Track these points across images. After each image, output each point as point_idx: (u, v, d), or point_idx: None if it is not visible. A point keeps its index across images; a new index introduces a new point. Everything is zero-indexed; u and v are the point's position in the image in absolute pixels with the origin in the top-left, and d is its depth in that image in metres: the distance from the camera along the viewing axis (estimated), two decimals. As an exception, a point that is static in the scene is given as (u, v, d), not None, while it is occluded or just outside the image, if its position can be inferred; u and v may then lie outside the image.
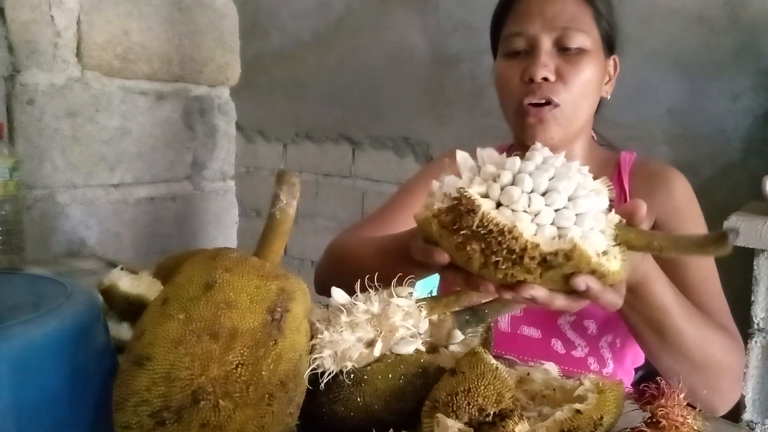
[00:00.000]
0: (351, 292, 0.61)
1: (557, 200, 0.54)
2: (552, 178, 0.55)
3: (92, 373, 0.53)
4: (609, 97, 1.01)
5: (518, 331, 0.97)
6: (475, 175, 0.58)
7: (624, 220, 0.57)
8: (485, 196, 0.56)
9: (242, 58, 1.70)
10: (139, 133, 1.52)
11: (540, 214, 0.54)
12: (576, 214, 0.54)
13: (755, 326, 1.33)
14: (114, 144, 1.48)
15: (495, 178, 0.56)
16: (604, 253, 0.54)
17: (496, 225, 0.52)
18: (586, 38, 0.92)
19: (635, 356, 0.98)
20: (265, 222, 0.58)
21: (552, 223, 0.54)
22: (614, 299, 0.58)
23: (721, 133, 1.72)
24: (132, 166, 1.52)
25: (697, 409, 0.51)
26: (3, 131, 1.14)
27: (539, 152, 0.58)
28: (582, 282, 0.53)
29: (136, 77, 1.50)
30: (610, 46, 0.98)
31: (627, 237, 0.55)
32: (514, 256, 0.52)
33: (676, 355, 0.76)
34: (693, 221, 0.94)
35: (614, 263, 0.54)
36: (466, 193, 0.55)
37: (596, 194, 0.56)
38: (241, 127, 2.36)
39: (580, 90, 0.92)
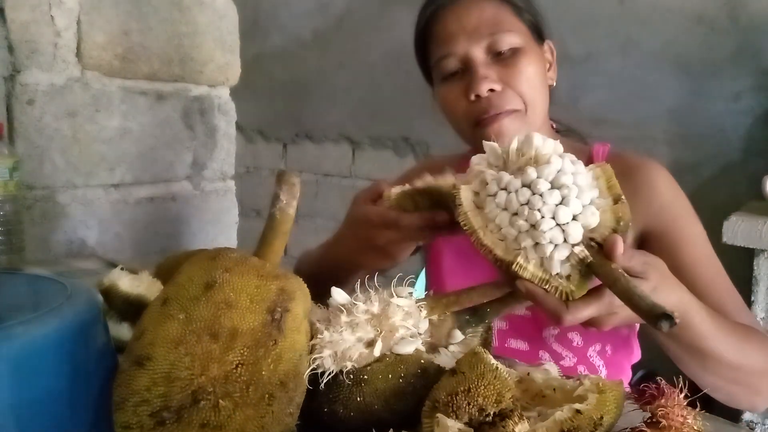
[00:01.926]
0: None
1: (552, 217, 0.58)
2: (562, 199, 0.58)
3: (92, 373, 0.53)
4: (555, 83, 0.98)
5: (506, 344, 0.96)
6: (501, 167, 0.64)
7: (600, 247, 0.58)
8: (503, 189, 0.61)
9: (242, 58, 1.70)
10: (139, 133, 1.52)
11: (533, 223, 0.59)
12: (554, 241, 0.58)
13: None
14: (114, 144, 1.48)
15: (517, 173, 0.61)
16: (568, 277, 0.58)
17: (468, 226, 0.62)
18: (514, 36, 0.90)
19: (630, 356, 0.98)
20: (265, 222, 0.58)
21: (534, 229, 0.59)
22: (557, 307, 0.58)
23: (721, 133, 1.72)
24: (132, 166, 1.52)
25: (698, 409, 0.51)
26: (3, 131, 1.14)
27: (566, 161, 0.60)
28: (521, 285, 0.59)
29: (136, 77, 1.50)
30: (539, 33, 0.96)
31: (597, 268, 0.57)
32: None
33: (717, 373, 0.74)
34: (683, 217, 0.89)
35: (572, 285, 0.58)
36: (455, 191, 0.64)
37: (587, 217, 0.58)
38: (241, 127, 2.36)
39: (529, 89, 0.90)
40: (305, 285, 0.57)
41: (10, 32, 1.30)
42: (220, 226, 1.73)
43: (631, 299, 0.54)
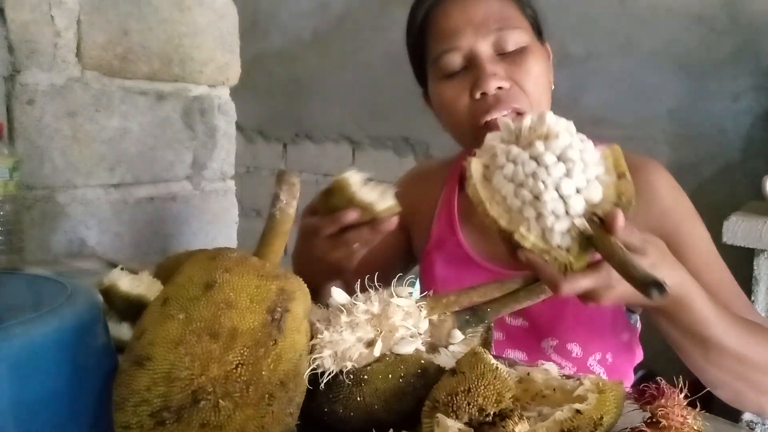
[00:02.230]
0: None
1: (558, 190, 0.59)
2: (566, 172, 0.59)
3: (92, 373, 0.53)
4: (553, 86, 0.94)
5: (504, 354, 0.95)
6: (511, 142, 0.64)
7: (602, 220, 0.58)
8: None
9: (242, 58, 1.70)
10: (139, 133, 1.52)
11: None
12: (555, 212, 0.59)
13: (755, 326, 1.33)
14: (114, 144, 1.48)
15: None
16: (568, 249, 0.59)
17: (475, 197, 0.63)
18: (522, 34, 0.86)
19: (632, 360, 0.97)
20: (265, 222, 0.58)
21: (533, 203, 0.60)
22: (555, 277, 0.59)
23: (721, 133, 1.72)
24: (132, 166, 1.52)
25: (698, 409, 0.51)
26: (3, 131, 1.14)
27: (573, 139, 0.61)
28: (522, 255, 0.59)
29: (136, 77, 1.50)
30: (539, 32, 0.93)
31: (596, 241, 0.58)
32: None
33: (720, 365, 0.73)
34: (686, 220, 0.87)
35: (571, 257, 0.59)
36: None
37: (590, 191, 0.59)
38: (241, 127, 2.36)
39: (536, 89, 0.86)
40: (305, 285, 0.57)
41: (10, 32, 1.30)
42: (220, 226, 1.73)
43: (625, 269, 0.54)
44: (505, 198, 0.61)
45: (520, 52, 0.86)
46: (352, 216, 0.67)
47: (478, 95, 0.84)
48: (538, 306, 0.89)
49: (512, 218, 0.61)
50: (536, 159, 0.60)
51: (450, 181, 1.06)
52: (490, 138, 0.66)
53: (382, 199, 0.68)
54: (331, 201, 0.68)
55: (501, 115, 0.84)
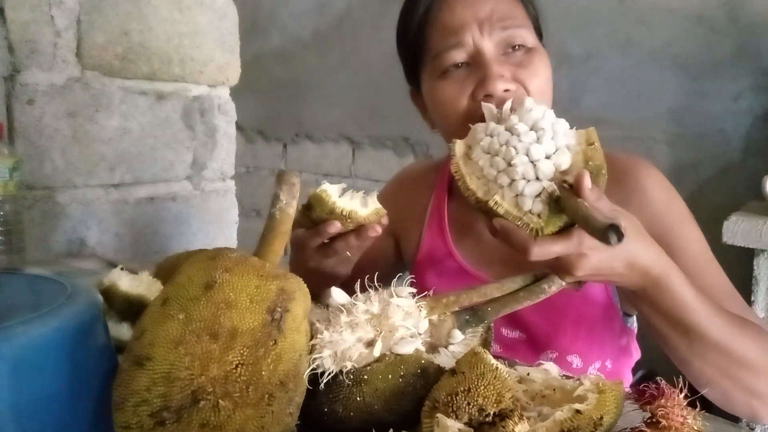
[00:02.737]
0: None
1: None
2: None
3: (92, 373, 0.53)
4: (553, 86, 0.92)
5: None
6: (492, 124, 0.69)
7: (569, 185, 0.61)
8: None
9: (242, 58, 1.70)
10: (139, 133, 1.52)
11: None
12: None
13: (755, 326, 1.33)
14: (114, 144, 1.48)
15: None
16: (539, 215, 0.61)
17: (458, 172, 0.67)
18: (527, 33, 0.84)
19: (630, 362, 0.96)
20: (265, 222, 0.58)
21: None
22: (525, 241, 0.60)
23: (721, 133, 1.72)
24: (132, 166, 1.52)
25: (699, 409, 0.51)
26: (3, 131, 1.14)
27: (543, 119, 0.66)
28: (496, 223, 0.62)
29: (135, 77, 1.50)
30: (539, 33, 0.90)
31: (563, 202, 0.60)
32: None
33: (704, 355, 0.70)
34: (679, 223, 0.84)
35: (542, 222, 0.61)
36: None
37: (559, 157, 0.64)
38: (241, 127, 2.36)
39: (541, 92, 0.83)
40: (305, 285, 0.57)
41: (10, 32, 1.30)
42: (220, 226, 1.73)
43: (587, 221, 0.56)
44: (482, 170, 0.66)
45: (527, 52, 0.83)
46: (334, 227, 0.68)
47: (481, 96, 0.81)
48: (536, 318, 0.89)
49: (489, 189, 0.64)
50: (510, 130, 0.65)
51: (439, 187, 1.03)
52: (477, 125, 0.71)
53: (365, 206, 0.68)
54: (313, 214, 0.68)
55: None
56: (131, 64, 1.48)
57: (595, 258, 0.62)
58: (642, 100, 1.84)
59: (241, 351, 0.49)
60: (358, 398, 0.56)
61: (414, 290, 0.63)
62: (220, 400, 0.48)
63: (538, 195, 0.61)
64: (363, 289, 0.61)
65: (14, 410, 0.47)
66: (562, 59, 1.87)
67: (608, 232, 0.53)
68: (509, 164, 0.63)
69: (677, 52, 1.78)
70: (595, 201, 0.59)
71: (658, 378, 0.52)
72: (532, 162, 0.63)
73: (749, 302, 1.34)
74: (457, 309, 0.65)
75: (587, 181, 0.58)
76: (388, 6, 2.41)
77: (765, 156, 1.64)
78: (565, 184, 0.60)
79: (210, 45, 1.62)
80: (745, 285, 1.33)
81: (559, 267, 0.64)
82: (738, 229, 1.31)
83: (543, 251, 0.60)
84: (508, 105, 0.72)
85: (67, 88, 1.39)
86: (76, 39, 1.39)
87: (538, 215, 0.61)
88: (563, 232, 0.61)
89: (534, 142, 0.63)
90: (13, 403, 0.47)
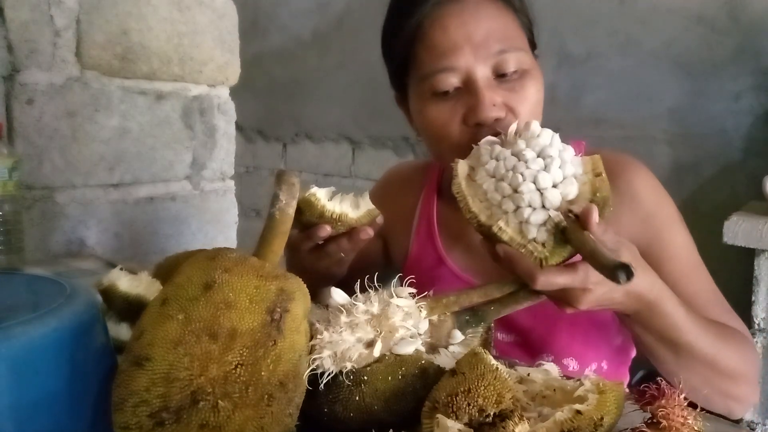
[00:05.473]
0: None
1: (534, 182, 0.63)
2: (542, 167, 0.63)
3: (91, 373, 0.53)
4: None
5: None
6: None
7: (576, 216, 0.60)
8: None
9: (242, 58, 1.70)
10: (138, 132, 1.52)
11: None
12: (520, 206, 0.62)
13: (756, 326, 1.33)
14: (113, 144, 1.47)
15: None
16: (544, 244, 0.61)
17: (460, 194, 0.66)
18: (523, 56, 0.81)
19: (627, 361, 0.96)
20: (265, 222, 0.58)
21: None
22: (531, 268, 0.60)
23: (722, 133, 1.72)
24: (131, 166, 1.51)
25: (699, 409, 0.51)
26: (3, 131, 1.14)
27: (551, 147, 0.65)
28: (500, 249, 0.62)
29: (135, 77, 1.50)
30: (533, 43, 0.87)
31: (570, 233, 0.60)
32: None
33: (691, 369, 0.74)
34: (668, 227, 0.84)
35: (546, 251, 0.61)
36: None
37: (566, 186, 0.63)
38: (241, 127, 2.36)
39: (531, 115, 0.80)
40: (305, 285, 0.57)
41: (10, 32, 1.30)
42: (219, 226, 1.72)
43: (594, 257, 0.56)
44: (486, 193, 0.64)
45: (520, 77, 0.81)
46: (325, 231, 0.69)
47: (472, 123, 0.79)
48: (531, 323, 0.89)
49: (492, 213, 0.64)
50: (517, 155, 0.64)
51: (427, 189, 1.02)
52: (481, 143, 0.70)
53: (357, 207, 0.69)
54: (303, 218, 0.68)
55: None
56: (130, 63, 1.48)
57: (599, 292, 0.63)
58: (642, 100, 1.84)
59: (241, 351, 0.49)
60: (358, 399, 0.56)
61: (414, 290, 0.63)
62: (219, 401, 0.47)
63: (543, 224, 0.61)
64: (363, 290, 0.61)
65: (13, 411, 0.47)
66: (562, 59, 1.86)
67: (617, 272, 0.53)
68: (515, 190, 0.62)
69: (678, 52, 1.78)
70: (602, 234, 0.59)
71: (658, 378, 0.52)
72: (539, 190, 0.62)
73: (749, 302, 1.34)
74: (457, 309, 0.65)
75: (595, 216, 0.58)
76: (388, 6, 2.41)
77: (766, 156, 1.64)
78: (571, 215, 0.60)
79: (209, 45, 1.62)
80: (745, 285, 1.33)
81: (561, 298, 0.64)
82: (738, 229, 1.30)
83: (549, 281, 0.60)
84: (513, 128, 0.70)
85: (66, 88, 1.38)
86: (75, 39, 1.39)
87: (543, 244, 0.61)
88: (570, 264, 0.61)
89: (542, 170, 0.62)
90: (12, 404, 0.47)
